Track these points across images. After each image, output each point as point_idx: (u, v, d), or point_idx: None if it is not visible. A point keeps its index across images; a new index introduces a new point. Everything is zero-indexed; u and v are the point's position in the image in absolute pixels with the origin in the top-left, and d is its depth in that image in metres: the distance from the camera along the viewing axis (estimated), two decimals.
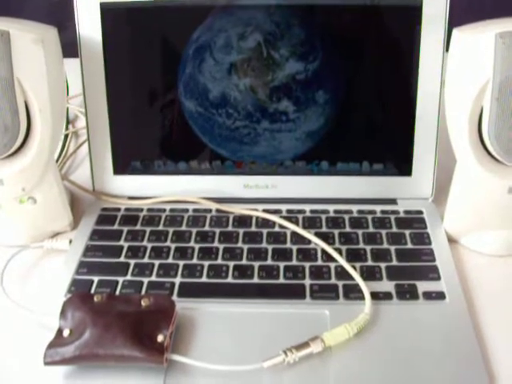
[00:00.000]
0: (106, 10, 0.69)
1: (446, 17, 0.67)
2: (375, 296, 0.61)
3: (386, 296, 0.61)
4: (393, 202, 0.74)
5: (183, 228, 0.71)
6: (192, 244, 0.68)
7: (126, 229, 0.71)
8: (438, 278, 0.63)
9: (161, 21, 0.70)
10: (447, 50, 0.66)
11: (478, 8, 0.87)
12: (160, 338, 0.54)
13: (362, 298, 0.60)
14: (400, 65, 0.70)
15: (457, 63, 0.62)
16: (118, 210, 0.74)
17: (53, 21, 0.66)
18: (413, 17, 0.68)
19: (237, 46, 0.69)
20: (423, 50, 0.68)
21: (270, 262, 0.66)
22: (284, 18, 0.68)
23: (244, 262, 0.66)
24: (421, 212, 0.72)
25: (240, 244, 0.68)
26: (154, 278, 0.64)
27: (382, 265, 0.65)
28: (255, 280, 0.64)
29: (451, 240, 0.69)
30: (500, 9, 0.71)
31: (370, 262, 0.65)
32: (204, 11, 0.69)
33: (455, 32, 0.63)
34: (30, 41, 0.61)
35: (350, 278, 0.63)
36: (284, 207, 0.73)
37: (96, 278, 0.64)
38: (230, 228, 0.71)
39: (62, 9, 0.82)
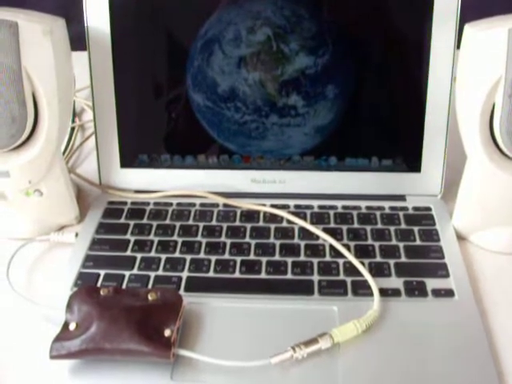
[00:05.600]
0: (114, 3, 0.69)
1: (458, 12, 0.67)
2: (384, 292, 0.60)
3: (395, 293, 0.61)
4: (401, 198, 0.73)
5: (190, 222, 0.71)
6: (199, 238, 0.68)
7: (132, 222, 0.71)
8: (447, 276, 0.63)
9: (170, 13, 0.69)
10: (458, 46, 0.65)
11: (490, 3, 0.86)
12: (167, 332, 0.53)
13: (371, 294, 0.60)
14: (410, 60, 0.70)
15: (468, 59, 0.62)
16: (125, 203, 0.74)
17: (60, 14, 0.66)
18: (424, 12, 0.67)
19: (246, 39, 0.68)
20: (434, 46, 0.68)
21: (277, 257, 0.65)
22: (294, 11, 0.68)
23: (251, 257, 0.65)
24: (429, 209, 0.72)
25: (247, 239, 0.68)
26: (160, 272, 0.64)
27: (391, 261, 0.64)
28: (263, 275, 0.63)
29: (460, 237, 0.69)
30: None
31: (378, 259, 0.65)
32: (213, 4, 0.69)
33: (467, 28, 0.62)
34: (38, 32, 0.60)
35: (359, 274, 0.62)
36: (292, 202, 0.73)
37: (102, 272, 0.64)
38: (237, 223, 0.70)
39: (70, 2, 0.81)
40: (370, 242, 0.67)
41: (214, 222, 0.71)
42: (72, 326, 0.54)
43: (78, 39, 0.70)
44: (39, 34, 0.60)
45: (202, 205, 0.73)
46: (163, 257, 0.66)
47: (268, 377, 0.53)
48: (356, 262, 0.63)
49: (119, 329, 0.53)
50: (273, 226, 0.70)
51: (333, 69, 0.69)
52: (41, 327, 0.58)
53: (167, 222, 0.71)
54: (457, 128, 0.65)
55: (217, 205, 0.73)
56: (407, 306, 0.59)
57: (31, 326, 0.58)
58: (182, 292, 0.61)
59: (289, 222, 0.70)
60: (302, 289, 0.61)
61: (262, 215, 0.71)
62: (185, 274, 0.63)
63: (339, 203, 0.73)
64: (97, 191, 0.76)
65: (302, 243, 0.67)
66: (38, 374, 0.54)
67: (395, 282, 0.62)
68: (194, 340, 0.56)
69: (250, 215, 0.71)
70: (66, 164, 0.78)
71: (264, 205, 0.72)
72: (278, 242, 0.67)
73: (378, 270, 0.63)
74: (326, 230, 0.68)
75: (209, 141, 0.73)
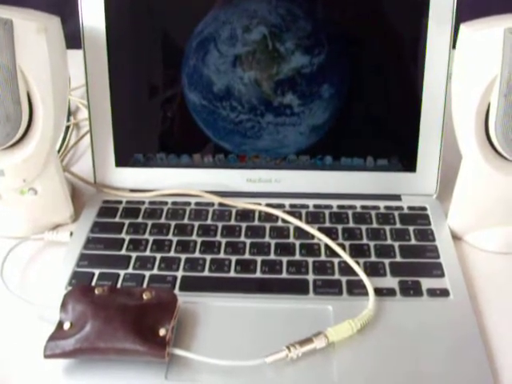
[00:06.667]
0: (109, 1, 0.68)
1: (454, 12, 0.67)
2: (379, 292, 0.60)
3: (390, 292, 0.61)
4: (397, 197, 0.73)
5: (185, 221, 0.70)
6: (194, 237, 0.68)
7: (127, 221, 0.70)
8: (442, 275, 0.63)
9: (165, 12, 0.69)
10: (454, 46, 0.65)
11: (486, 3, 0.86)
12: (162, 331, 0.53)
13: (366, 293, 0.60)
14: (406, 60, 0.70)
15: (464, 59, 0.62)
16: (120, 202, 0.74)
17: (55, 12, 0.66)
18: (420, 11, 0.67)
19: (242, 38, 0.68)
20: (430, 46, 0.68)
21: (272, 256, 0.65)
22: (290, 10, 0.68)
23: (247, 256, 0.65)
24: (425, 208, 0.72)
25: (243, 238, 0.68)
26: (155, 271, 0.64)
27: (386, 261, 0.64)
28: (258, 275, 0.63)
29: (455, 237, 0.69)
30: (508, 4, 0.70)
31: (373, 258, 0.65)
32: (209, 3, 0.68)
33: (463, 27, 0.62)
34: (33, 30, 0.60)
35: (354, 273, 0.62)
36: (287, 202, 0.73)
37: (97, 271, 0.64)
38: (232, 222, 0.70)
39: (65, 0, 0.81)
40: (365, 241, 0.67)
41: (209, 221, 0.70)
42: (66, 326, 0.54)
43: (73, 37, 0.70)
44: (34, 32, 0.60)
45: (197, 204, 0.73)
46: (158, 256, 0.65)
47: (263, 376, 0.53)
48: (351, 262, 0.63)
49: (114, 328, 0.53)
50: (268, 226, 0.69)
51: (328, 68, 0.69)
52: (35, 326, 0.58)
53: (162, 221, 0.71)
54: (452, 128, 0.65)
55: (212, 204, 0.73)
56: (402, 306, 0.59)
57: (25, 325, 0.58)
58: (176, 291, 0.61)
59: (284, 221, 0.70)
60: (297, 288, 0.61)
61: (257, 214, 0.71)
62: (180, 274, 0.63)
63: (334, 202, 0.73)
64: (92, 190, 0.76)
65: (297, 242, 0.67)
66: (32, 373, 0.54)
67: (390, 281, 0.62)
68: (189, 339, 0.56)
69: (246, 214, 0.71)
70: (61, 163, 0.78)
71: (259, 204, 0.72)
72: (273, 242, 0.67)
73: (373, 270, 0.63)
74: (321, 230, 0.68)
75: (204, 140, 0.73)
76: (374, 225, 0.69)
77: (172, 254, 0.66)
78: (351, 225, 0.70)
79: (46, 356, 0.52)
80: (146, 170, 0.75)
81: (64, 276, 0.63)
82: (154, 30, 0.70)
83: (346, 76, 0.70)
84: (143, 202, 0.73)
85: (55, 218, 0.72)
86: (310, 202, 0.73)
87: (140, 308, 0.55)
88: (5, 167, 0.65)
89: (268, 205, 0.72)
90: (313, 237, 0.68)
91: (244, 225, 0.70)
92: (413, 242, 0.67)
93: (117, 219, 0.71)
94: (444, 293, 0.61)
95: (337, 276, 0.63)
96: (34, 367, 0.54)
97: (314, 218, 0.71)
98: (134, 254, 0.66)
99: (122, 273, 0.63)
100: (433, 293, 0.61)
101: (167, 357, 0.53)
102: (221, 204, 0.73)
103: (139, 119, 0.74)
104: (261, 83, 0.70)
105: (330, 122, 0.71)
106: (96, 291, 0.56)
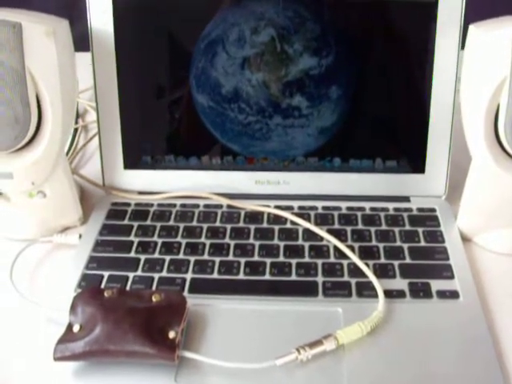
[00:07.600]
0: (118, 4, 0.68)
1: (462, 13, 0.66)
2: (388, 294, 0.60)
3: (400, 294, 0.60)
4: (406, 199, 0.73)
5: (194, 223, 0.70)
6: (203, 240, 0.68)
7: (136, 224, 0.70)
8: (452, 277, 0.62)
9: (173, 14, 0.69)
10: (463, 47, 0.65)
11: (495, 4, 0.86)
12: (171, 334, 0.53)
13: (375, 295, 0.60)
14: (414, 61, 0.70)
15: (473, 60, 0.62)
16: (128, 204, 0.74)
17: (63, 14, 0.66)
18: (428, 13, 0.67)
19: (250, 40, 0.68)
20: (438, 47, 0.68)
21: (281, 258, 0.65)
22: (297, 12, 0.68)
23: (256, 258, 0.65)
24: (434, 210, 0.71)
25: (251, 240, 0.68)
26: (164, 273, 0.64)
27: (395, 262, 0.64)
28: (267, 277, 0.63)
29: (464, 238, 0.69)
30: None
31: (382, 260, 0.65)
32: (217, 5, 0.69)
33: (472, 28, 0.62)
34: (41, 33, 0.60)
35: (363, 275, 0.62)
36: (296, 204, 0.73)
37: (106, 274, 0.64)
38: (241, 224, 0.70)
39: (73, 2, 0.81)
40: (374, 243, 0.67)
41: (217, 224, 0.70)
42: (76, 328, 0.54)
43: (81, 40, 0.70)
44: (43, 35, 0.60)
45: (205, 206, 0.73)
46: (167, 258, 0.65)
47: (273, 378, 0.52)
48: (360, 264, 0.63)
49: (123, 331, 0.53)
50: (277, 228, 0.69)
51: (336, 70, 0.69)
52: (44, 329, 0.58)
53: (171, 223, 0.71)
54: (461, 128, 0.65)
55: (220, 206, 0.73)
56: (412, 308, 0.59)
57: (35, 328, 0.58)
58: (186, 293, 0.61)
59: (293, 223, 0.70)
60: (306, 290, 0.61)
61: (265, 216, 0.71)
62: (189, 276, 0.63)
63: (343, 204, 0.73)
64: (100, 192, 0.76)
65: (306, 244, 0.67)
66: (41, 375, 0.54)
67: (400, 283, 0.62)
68: (199, 342, 0.56)
69: (254, 216, 0.71)
70: (70, 165, 0.78)
71: (268, 206, 0.72)
72: (282, 244, 0.67)
73: (382, 271, 0.63)
74: (330, 231, 0.68)
75: (212, 142, 0.73)
76: (383, 226, 0.69)
77: (181, 256, 0.66)
78: (360, 226, 0.69)
79: (56, 358, 0.52)
80: (154, 172, 0.75)
81: (73, 278, 0.63)
82: (162, 32, 0.70)
83: (354, 77, 0.70)
84: (152, 205, 0.73)
85: (64, 220, 0.72)
86: (319, 204, 0.73)
87: (149, 310, 0.55)
88: (14, 170, 0.65)
89: (277, 207, 0.72)
90: (322, 239, 0.67)
91: (253, 227, 0.69)
92: (422, 243, 0.67)
93: (125, 222, 0.71)
94: (454, 294, 0.60)
95: (346, 278, 0.62)
96: (44, 370, 0.54)
97: (322, 219, 0.70)
98: (142, 257, 0.66)
99: (131, 275, 0.63)
100: (442, 294, 0.60)
101: (177, 359, 0.52)
102: (229, 206, 0.73)
103: (147, 121, 0.74)
104: (269, 85, 0.70)
105: (339, 123, 0.71)
106: (105, 294, 0.56)
